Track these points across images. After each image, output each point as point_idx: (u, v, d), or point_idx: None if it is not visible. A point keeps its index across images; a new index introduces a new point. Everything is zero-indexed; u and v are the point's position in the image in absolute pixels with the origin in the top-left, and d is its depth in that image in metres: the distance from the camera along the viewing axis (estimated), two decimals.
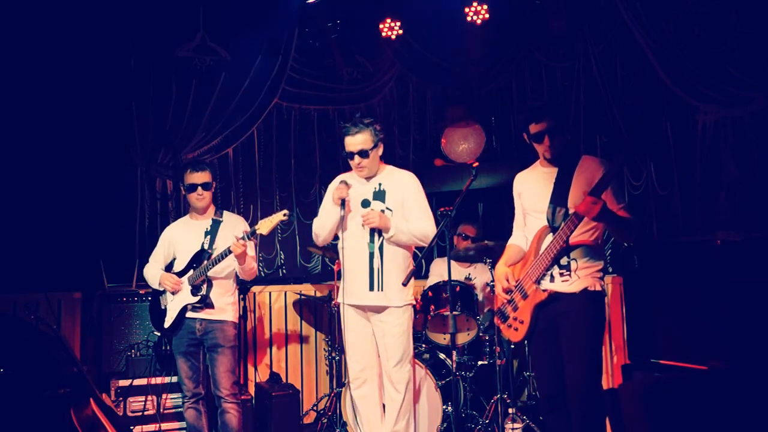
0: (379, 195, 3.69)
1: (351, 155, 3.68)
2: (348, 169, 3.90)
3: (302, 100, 6.16)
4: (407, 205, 3.69)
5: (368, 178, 3.76)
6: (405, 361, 3.68)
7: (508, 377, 4.26)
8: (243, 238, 3.81)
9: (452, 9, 5.86)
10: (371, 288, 3.63)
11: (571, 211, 3.04)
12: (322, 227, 3.80)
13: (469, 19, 5.84)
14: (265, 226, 3.80)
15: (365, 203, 3.70)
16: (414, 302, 3.77)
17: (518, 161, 5.25)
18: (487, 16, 5.81)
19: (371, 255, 3.63)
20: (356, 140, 3.66)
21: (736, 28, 4.19)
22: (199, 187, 4.00)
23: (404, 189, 3.72)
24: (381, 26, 6.06)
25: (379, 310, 3.66)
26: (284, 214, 3.79)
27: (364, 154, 3.66)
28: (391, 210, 3.66)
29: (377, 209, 3.66)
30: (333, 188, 3.77)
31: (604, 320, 3.25)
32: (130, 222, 5.48)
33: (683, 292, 3.72)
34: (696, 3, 4.40)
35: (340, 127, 3.78)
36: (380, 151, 3.73)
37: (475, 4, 5.80)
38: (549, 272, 3.13)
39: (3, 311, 4.67)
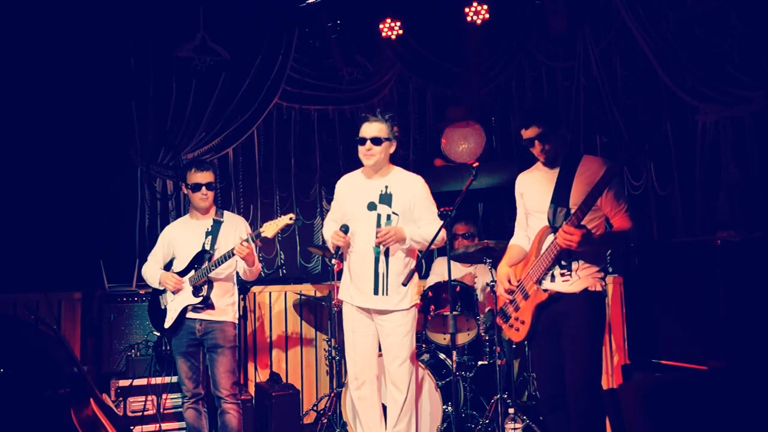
0: (386, 198, 3.67)
1: (363, 140, 3.67)
2: (349, 170, 3.90)
3: (302, 100, 6.15)
4: (417, 209, 3.69)
5: (374, 176, 3.74)
6: (408, 361, 3.67)
7: (509, 377, 4.26)
8: (247, 241, 3.80)
9: (452, 9, 5.85)
10: (376, 292, 3.62)
11: (572, 211, 3.04)
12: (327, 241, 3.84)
13: (469, 19, 5.83)
14: (270, 229, 3.77)
15: (371, 206, 3.68)
16: (418, 300, 3.76)
17: (518, 161, 5.25)
18: (487, 16, 5.80)
19: (376, 259, 3.62)
20: (372, 127, 3.67)
21: (736, 28, 4.20)
22: (204, 187, 3.99)
23: (412, 194, 3.70)
24: (381, 26, 6.05)
25: (384, 312, 3.66)
26: (290, 218, 3.77)
27: (376, 141, 3.65)
28: (397, 214, 3.64)
29: (383, 213, 3.65)
30: (339, 189, 3.83)
31: (605, 321, 3.25)
32: (130, 222, 5.47)
33: (683, 292, 3.72)
34: (696, 3, 4.40)
35: (360, 118, 3.77)
36: (392, 148, 3.72)
37: (475, 4, 5.80)
38: (550, 272, 3.14)
39: (3, 311, 4.67)
